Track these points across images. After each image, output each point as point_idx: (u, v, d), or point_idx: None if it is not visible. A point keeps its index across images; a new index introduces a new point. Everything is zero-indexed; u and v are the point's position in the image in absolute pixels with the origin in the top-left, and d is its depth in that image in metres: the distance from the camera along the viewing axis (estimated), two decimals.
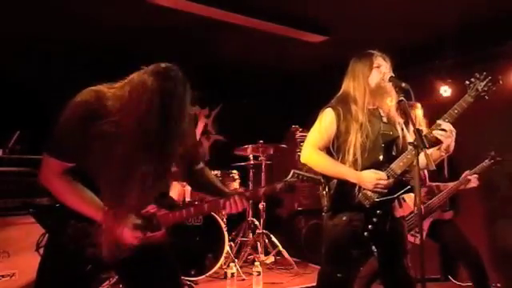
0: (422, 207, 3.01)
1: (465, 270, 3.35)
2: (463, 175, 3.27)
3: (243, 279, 4.02)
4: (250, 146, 4.65)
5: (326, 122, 2.29)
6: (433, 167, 1.96)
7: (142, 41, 4.43)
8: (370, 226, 2.20)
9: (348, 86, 2.37)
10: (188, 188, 4.07)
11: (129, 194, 1.60)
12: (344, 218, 2.21)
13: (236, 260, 4.22)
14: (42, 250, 1.73)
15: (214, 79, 5.09)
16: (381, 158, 2.26)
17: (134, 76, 1.56)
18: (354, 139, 2.21)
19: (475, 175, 3.26)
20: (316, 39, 4.40)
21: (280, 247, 4.53)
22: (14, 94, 4.24)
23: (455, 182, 3.28)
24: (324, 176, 2.24)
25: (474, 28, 3.86)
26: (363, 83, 2.29)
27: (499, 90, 2.27)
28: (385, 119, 2.34)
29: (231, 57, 5.07)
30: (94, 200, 1.59)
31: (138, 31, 4.22)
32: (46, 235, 1.71)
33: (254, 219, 4.76)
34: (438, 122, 2.18)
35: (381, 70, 2.30)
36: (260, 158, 4.84)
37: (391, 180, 2.19)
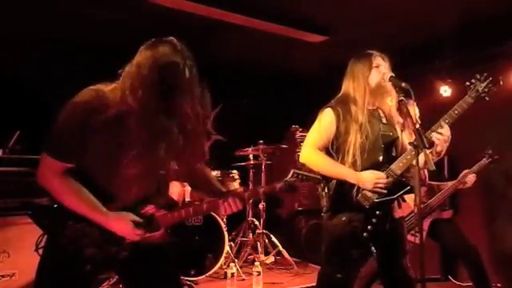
0: (422, 207, 3.02)
1: (465, 269, 3.36)
2: (462, 174, 3.30)
3: (243, 279, 4.02)
4: (251, 146, 4.66)
5: (325, 122, 2.29)
6: (432, 167, 1.97)
7: (141, 41, 4.41)
8: (369, 227, 2.19)
9: (348, 86, 2.36)
10: (188, 188, 4.07)
11: (128, 192, 1.60)
12: (343, 219, 2.21)
13: (236, 260, 4.22)
14: (41, 250, 1.73)
15: (214, 79, 5.07)
16: (380, 158, 2.26)
17: (128, 65, 1.53)
18: (354, 140, 2.20)
19: (473, 174, 3.29)
20: (316, 39, 4.40)
21: (280, 247, 4.53)
22: (14, 94, 4.24)
23: (454, 181, 3.31)
24: (323, 176, 2.24)
25: (474, 28, 3.86)
26: (363, 83, 2.29)
27: (499, 90, 2.27)
28: (384, 120, 2.34)
29: (231, 57, 5.07)
30: (92, 200, 1.59)
31: (138, 31, 4.21)
32: (45, 235, 1.71)
33: (254, 219, 4.76)
34: (438, 124, 2.19)
35: (380, 69, 2.30)
36: (260, 158, 4.84)
37: (390, 180, 2.19)
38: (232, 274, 3.80)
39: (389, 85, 2.23)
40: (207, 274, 3.91)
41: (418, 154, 1.96)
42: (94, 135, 1.50)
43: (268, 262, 4.55)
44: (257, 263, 3.90)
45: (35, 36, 4.23)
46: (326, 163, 2.26)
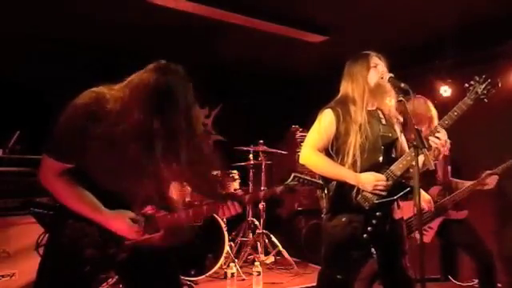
0: (433, 206, 2.97)
1: (477, 273, 3.19)
2: (483, 175, 3.09)
3: (243, 279, 4.02)
4: (251, 146, 4.66)
5: (325, 122, 2.29)
6: (432, 167, 1.97)
7: (142, 41, 4.43)
8: (369, 228, 2.19)
9: (346, 87, 2.36)
10: (188, 188, 4.06)
11: (128, 192, 1.60)
12: (343, 220, 2.21)
13: (236, 260, 4.23)
14: (41, 250, 1.73)
15: (214, 79, 5.09)
16: (380, 159, 2.25)
17: (134, 76, 1.57)
18: (354, 140, 2.20)
19: (495, 176, 3.08)
20: (316, 39, 4.40)
21: (280, 247, 4.53)
22: (14, 94, 4.24)
23: (473, 182, 3.12)
24: (323, 178, 2.24)
25: (473, 28, 3.86)
26: (362, 83, 2.29)
27: (499, 90, 2.27)
28: (384, 121, 2.33)
29: (231, 57, 5.07)
30: (92, 200, 1.60)
31: (138, 31, 4.22)
32: (46, 235, 1.72)
33: (254, 219, 4.76)
34: (435, 128, 2.19)
35: (378, 68, 2.30)
36: (260, 158, 4.84)
37: (390, 182, 2.19)
38: (232, 274, 3.80)
39: (388, 85, 2.23)
40: (207, 274, 3.92)
41: (417, 155, 1.96)
42: (93, 137, 1.50)
43: (268, 262, 4.55)
44: (257, 263, 3.91)
45: (35, 36, 4.23)
46: (326, 164, 2.26)
